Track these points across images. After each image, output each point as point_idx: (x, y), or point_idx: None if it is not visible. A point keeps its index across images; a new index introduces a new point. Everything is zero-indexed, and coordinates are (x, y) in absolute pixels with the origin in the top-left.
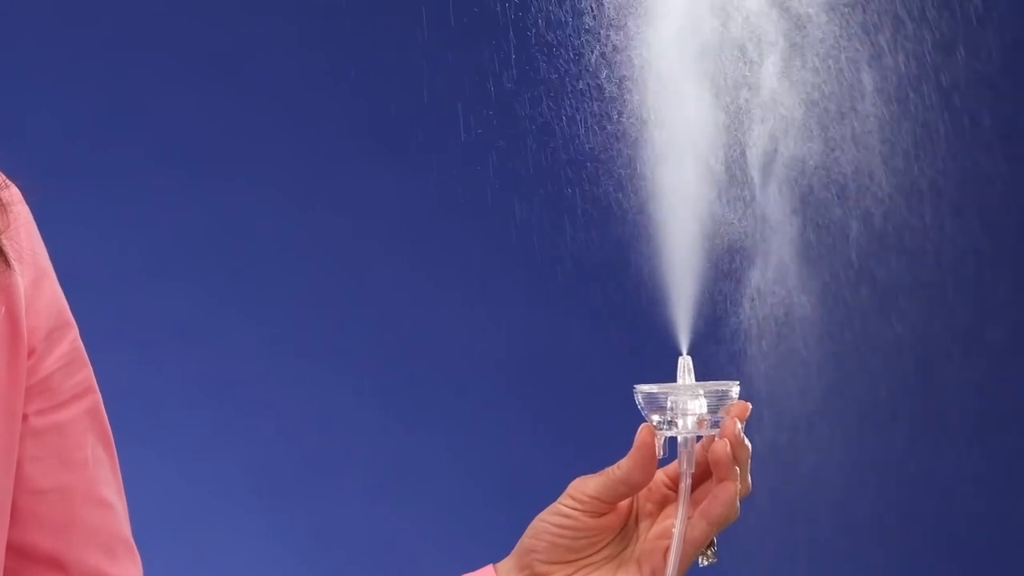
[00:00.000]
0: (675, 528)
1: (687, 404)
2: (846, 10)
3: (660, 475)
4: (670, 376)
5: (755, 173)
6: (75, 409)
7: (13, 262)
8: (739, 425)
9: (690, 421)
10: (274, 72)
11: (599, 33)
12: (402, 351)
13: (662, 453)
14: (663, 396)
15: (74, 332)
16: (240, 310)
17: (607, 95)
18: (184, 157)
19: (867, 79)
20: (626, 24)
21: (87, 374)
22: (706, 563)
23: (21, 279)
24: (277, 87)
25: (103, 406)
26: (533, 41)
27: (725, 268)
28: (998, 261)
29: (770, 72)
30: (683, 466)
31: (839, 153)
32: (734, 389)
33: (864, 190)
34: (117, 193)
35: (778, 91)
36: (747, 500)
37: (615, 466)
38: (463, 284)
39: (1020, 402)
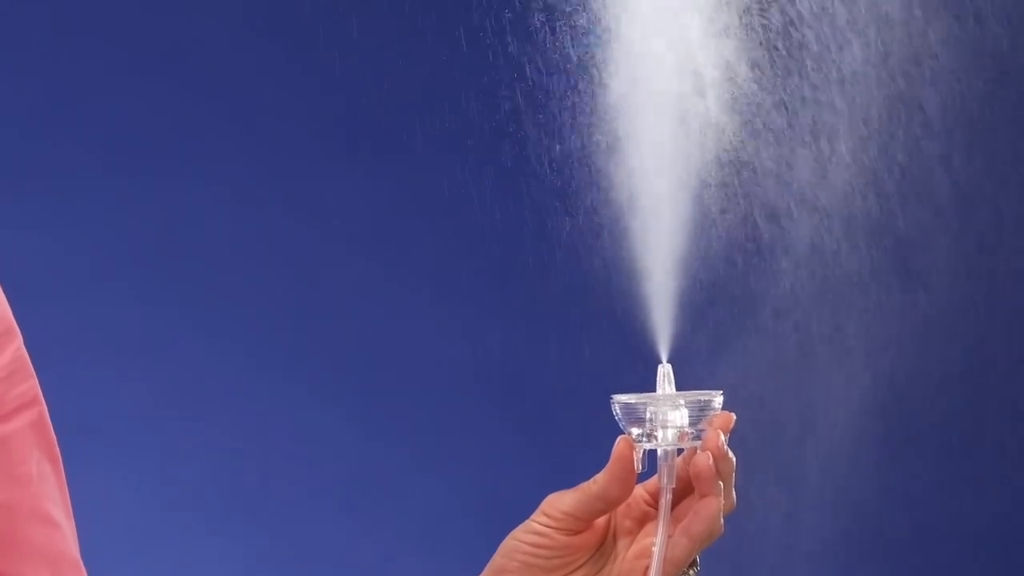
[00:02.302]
0: (655, 547)
1: (667, 415)
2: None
3: (639, 490)
4: (649, 385)
5: (735, 177)
6: (19, 422)
7: None
8: (722, 437)
9: (670, 433)
10: (228, 65)
11: (575, 31)
12: (370, 360)
13: (641, 467)
14: (642, 406)
15: (18, 341)
16: (196, 317)
17: (584, 96)
18: (133, 154)
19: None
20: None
21: (32, 385)
22: None
23: None
24: (232, 81)
25: (49, 419)
26: (508, 38)
27: (707, 269)
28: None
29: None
30: (663, 481)
31: (818, 160)
32: (717, 399)
33: (846, 196)
34: (63, 193)
35: (748, 95)
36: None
37: (591, 481)
38: (433, 290)
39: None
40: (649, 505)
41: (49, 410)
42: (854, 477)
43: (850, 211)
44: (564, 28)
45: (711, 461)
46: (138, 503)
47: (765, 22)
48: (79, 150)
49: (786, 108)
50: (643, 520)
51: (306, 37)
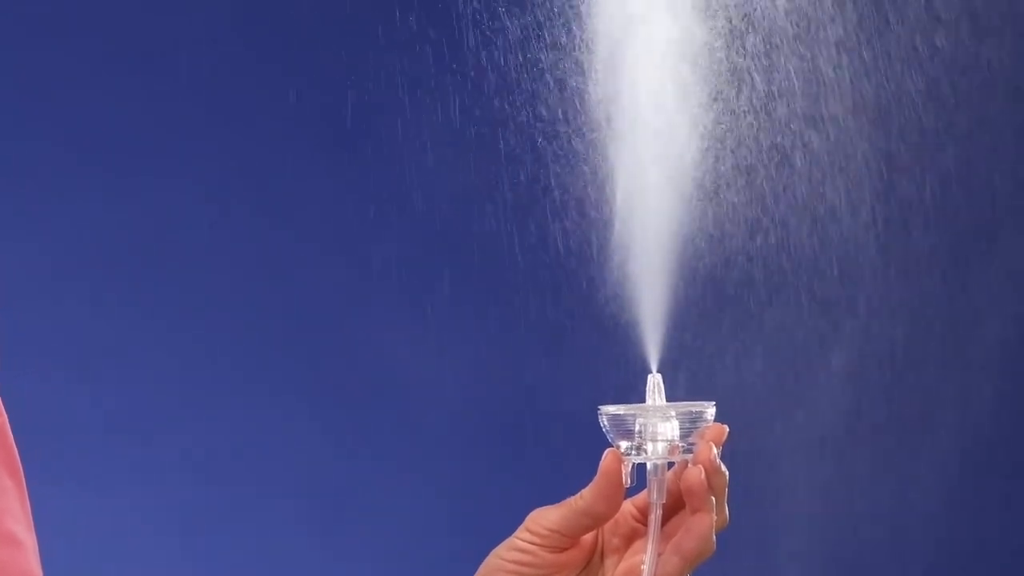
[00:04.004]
0: (644, 565)
1: (657, 427)
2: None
3: (627, 506)
4: (638, 396)
5: (725, 183)
6: None
7: None
8: (715, 450)
9: (661, 446)
10: (195, 61)
11: (551, 29)
12: (342, 372)
13: (629, 481)
14: (631, 418)
15: None
16: (160, 323)
17: (566, 96)
18: (96, 152)
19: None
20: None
21: None
22: None
23: None
24: (199, 77)
25: (9, 430)
26: (488, 34)
27: (698, 277)
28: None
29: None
30: (653, 496)
31: (808, 166)
32: (709, 410)
33: (837, 202)
34: (21, 192)
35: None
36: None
37: (577, 496)
38: (409, 299)
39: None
40: (638, 521)
41: (10, 420)
42: (845, 489)
43: (846, 221)
44: (543, 33)
45: (703, 475)
46: (104, 518)
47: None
48: (40, 147)
49: (780, 116)
50: (631, 537)
51: (279, 35)
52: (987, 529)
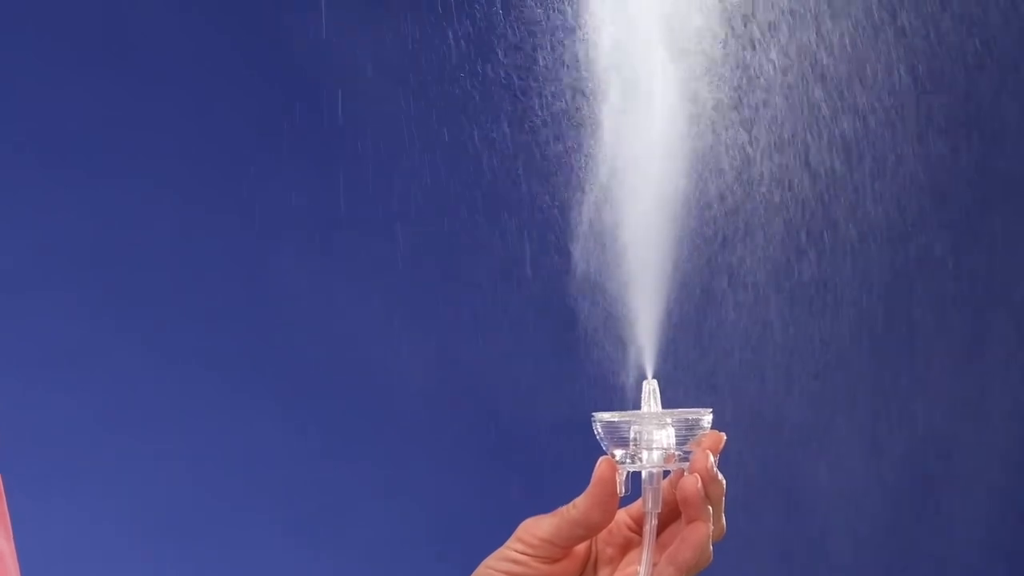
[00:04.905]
0: None
1: (653, 434)
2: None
3: (622, 515)
4: (634, 403)
5: (719, 183)
6: None
7: None
8: (712, 458)
9: (656, 454)
10: (163, 55)
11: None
12: (321, 373)
13: (624, 490)
14: (625, 425)
15: None
16: (132, 325)
17: (553, 94)
18: (60, 150)
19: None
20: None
21: None
22: None
23: None
24: (167, 72)
25: None
26: (469, 27)
27: (695, 280)
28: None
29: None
30: (648, 505)
31: (802, 174)
32: (706, 417)
33: (839, 208)
34: None
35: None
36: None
37: (570, 505)
38: (392, 299)
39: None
40: (632, 531)
41: None
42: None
43: (841, 233)
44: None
45: (700, 484)
46: (82, 528)
47: None
48: (11, 154)
49: (775, 128)
50: (626, 547)
51: (249, 30)
52: None
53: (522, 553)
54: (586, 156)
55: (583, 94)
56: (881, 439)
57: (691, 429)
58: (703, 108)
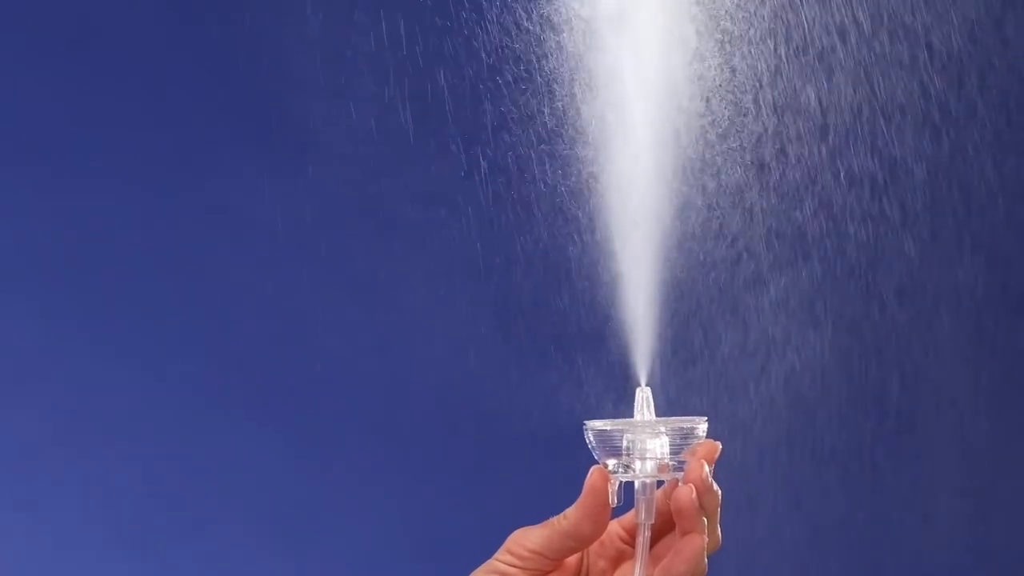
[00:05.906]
0: None
1: (646, 443)
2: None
3: (614, 526)
4: (627, 411)
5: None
6: None
7: None
8: (707, 468)
9: (649, 464)
10: (135, 49)
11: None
12: (300, 378)
13: (616, 501)
14: (618, 434)
15: None
16: (101, 329)
17: (543, 90)
18: (29, 148)
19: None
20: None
21: None
22: None
23: None
24: (138, 66)
25: None
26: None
27: (690, 285)
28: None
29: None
30: (641, 516)
31: (798, 179)
32: (701, 426)
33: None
34: None
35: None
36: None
37: (561, 516)
38: (373, 305)
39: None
40: (625, 543)
41: None
42: (835, 506)
43: (836, 237)
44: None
45: (694, 495)
46: (56, 537)
47: None
48: None
49: (773, 131)
50: (618, 560)
51: (225, 26)
52: None
53: (511, 565)
54: (578, 161)
55: (582, 94)
56: (880, 442)
57: (686, 438)
58: (690, 116)
